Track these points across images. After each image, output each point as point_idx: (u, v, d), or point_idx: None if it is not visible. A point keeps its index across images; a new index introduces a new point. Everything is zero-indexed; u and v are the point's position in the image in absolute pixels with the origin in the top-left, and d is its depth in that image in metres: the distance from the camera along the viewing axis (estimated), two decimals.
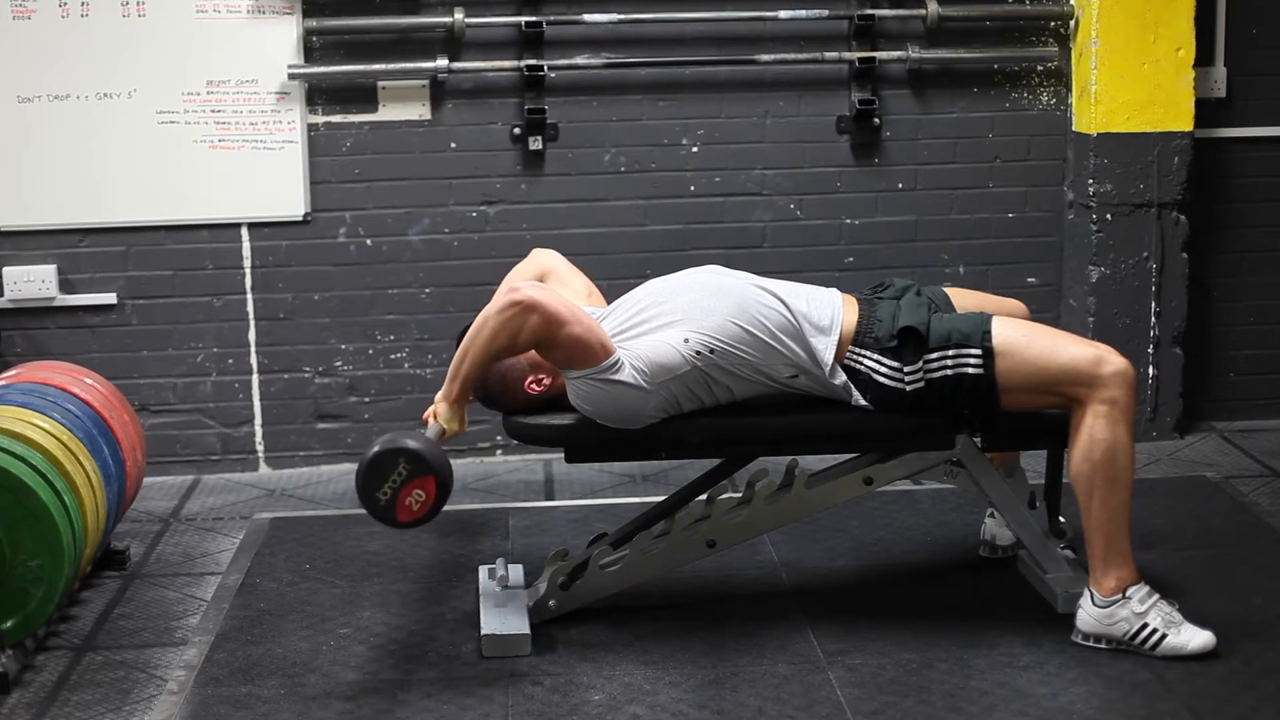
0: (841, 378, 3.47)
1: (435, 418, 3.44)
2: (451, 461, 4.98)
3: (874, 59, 4.87)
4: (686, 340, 3.40)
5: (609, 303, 3.68)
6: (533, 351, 3.48)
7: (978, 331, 3.41)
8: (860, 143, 4.96)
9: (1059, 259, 5.06)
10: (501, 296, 3.35)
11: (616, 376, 3.35)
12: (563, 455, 3.59)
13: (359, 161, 4.82)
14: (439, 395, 3.43)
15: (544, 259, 3.80)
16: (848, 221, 5.00)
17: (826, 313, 3.49)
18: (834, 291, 3.57)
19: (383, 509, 3.26)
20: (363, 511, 4.48)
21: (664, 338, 3.41)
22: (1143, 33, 4.80)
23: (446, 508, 4.46)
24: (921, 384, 3.43)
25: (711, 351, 3.42)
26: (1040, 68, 4.96)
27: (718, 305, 3.45)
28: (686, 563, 3.68)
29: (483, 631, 3.52)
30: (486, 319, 3.33)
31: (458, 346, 3.69)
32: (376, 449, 3.25)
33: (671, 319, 3.44)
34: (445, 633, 3.62)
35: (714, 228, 4.94)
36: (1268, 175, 5.09)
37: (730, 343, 3.42)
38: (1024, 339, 3.42)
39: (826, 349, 3.46)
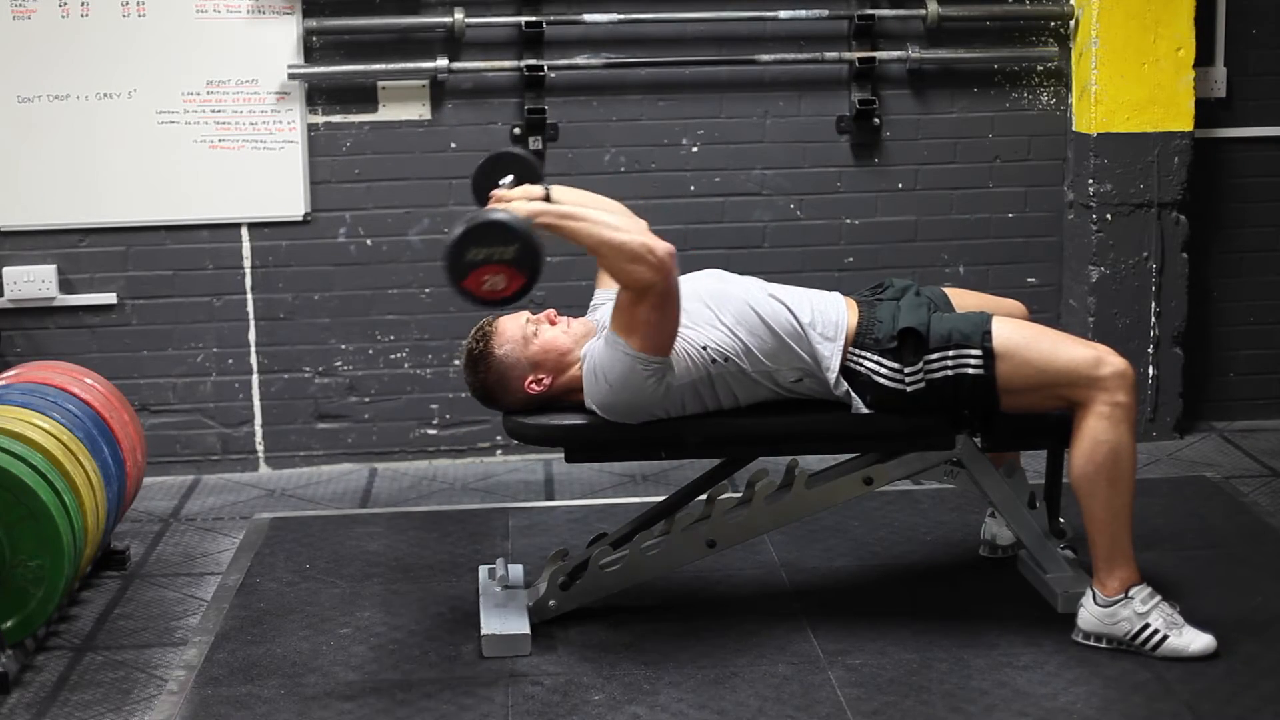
0: (844, 387, 3.47)
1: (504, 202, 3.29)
2: (451, 462, 5.00)
3: (874, 59, 4.87)
4: (705, 348, 3.40)
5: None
6: (534, 350, 3.48)
7: (978, 332, 3.41)
8: (860, 143, 4.96)
9: (1059, 259, 5.06)
10: (656, 239, 3.26)
11: (656, 368, 3.34)
12: (563, 455, 3.58)
13: (359, 161, 4.82)
14: (529, 206, 3.26)
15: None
16: (848, 221, 5.00)
17: (832, 319, 3.48)
18: (837, 295, 3.57)
19: (462, 265, 3.14)
20: (362, 511, 4.52)
21: (683, 340, 3.41)
22: (1143, 33, 4.80)
23: (446, 507, 4.50)
24: (922, 384, 3.43)
25: (726, 360, 3.42)
26: (1040, 68, 4.96)
27: (725, 314, 3.45)
28: (686, 563, 3.68)
29: (483, 631, 3.51)
30: (631, 230, 3.27)
31: (476, 182, 3.61)
32: (506, 218, 3.14)
33: (684, 326, 3.43)
34: (445, 633, 3.62)
35: (714, 228, 4.94)
36: (1268, 175, 5.09)
37: (739, 351, 3.42)
38: (1024, 340, 3.42)
39: (832, 355, 3.46)
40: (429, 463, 4.94)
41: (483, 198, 3.54)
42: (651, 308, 3.28)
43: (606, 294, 3.64)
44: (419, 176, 4.84)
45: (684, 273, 3.67)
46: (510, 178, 3.54)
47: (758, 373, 3.45)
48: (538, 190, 3.40)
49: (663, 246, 3.26)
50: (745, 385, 3.47)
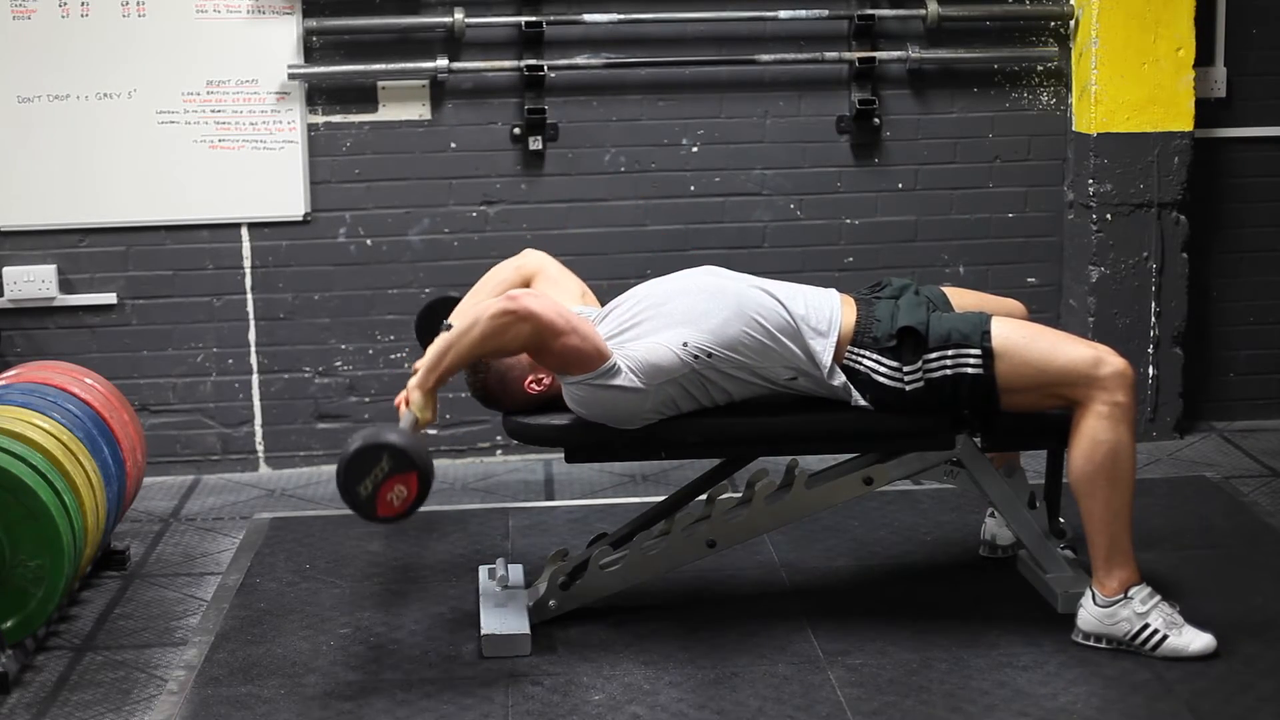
0: (840, 379, 3.47)
1: (407, 405, 3.38)
2: (451, 462, 4.99)
3: (874, 59, 4.87)
4: (685, 344, 3.40)
5: (604, 303, 3.67)
6: None
7: (977, 332, 3.41)
8: (860, 143, 4.96)
9: (1059, 259, 5.06)
10: (496, 301, 3.33)
11: (613, 381, 3.35)
12: (563, 455, 3.59)
13: (359, 161, 4.82)
14: (413, 382, 3.38)
15: (533, 259, 3.79)
16: (848, 221, 5.00)
17: (824, 315, 3.48)
18: (832, 292, 3.57)
19: (363, 503, 3.22)
20: None
21: (661, 340, 3.41)
22: (1143, 33, 4.80)
23: (447, 507, 4.50)
24: (921, 384, 3.43)
25: (710, 355, 3.41)
26: (1040, 68, 4.96)
27: (715, 308, 3.44)
28: (686, 563, 3.68)
29: (483, 631, 3.52)
30: (478, 320, 3.31)
31: (418, 331, 3.78)
32: (359, 444, 3.21)
33: (669, 322, 3.43)
34: (445, 633, 3.62)
35: (714, 228, 4.95)
36: (1268, 175, 5.09)
37: (728, 346, 3.41)
38: (1023, 340, 3.42)
39: (825, 351, 3.46)
40: None
41: (425, 342, 3.63)
42: (552, 340, 3.30)
43: (588, 310, 3.63)
44: (419, 176, 4.84)
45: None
46: (451, 321, 3.58)
47: (749, 371, 3.44)
48: (442, 341, 3.40)
49: (506, 300, 3.30)
50: (737, 383, 3.46)
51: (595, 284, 3.99)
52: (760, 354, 3.44)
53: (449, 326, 3.45)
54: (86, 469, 3.65)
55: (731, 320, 3.43)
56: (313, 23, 4.71)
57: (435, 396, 3.39)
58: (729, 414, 3.50)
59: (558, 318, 3.30)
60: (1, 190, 4.69)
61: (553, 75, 4.81)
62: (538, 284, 3.72)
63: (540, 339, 3.30)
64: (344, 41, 4.77)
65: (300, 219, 4.81)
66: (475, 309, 3.39)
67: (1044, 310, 4.95)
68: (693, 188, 4.93)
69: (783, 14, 4.84)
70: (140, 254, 4.79)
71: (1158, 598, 3.42)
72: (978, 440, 3.58)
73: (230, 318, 4.84)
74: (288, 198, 4.78)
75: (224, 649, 3.57)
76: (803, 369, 3.46)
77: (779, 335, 3.44)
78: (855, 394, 3.47)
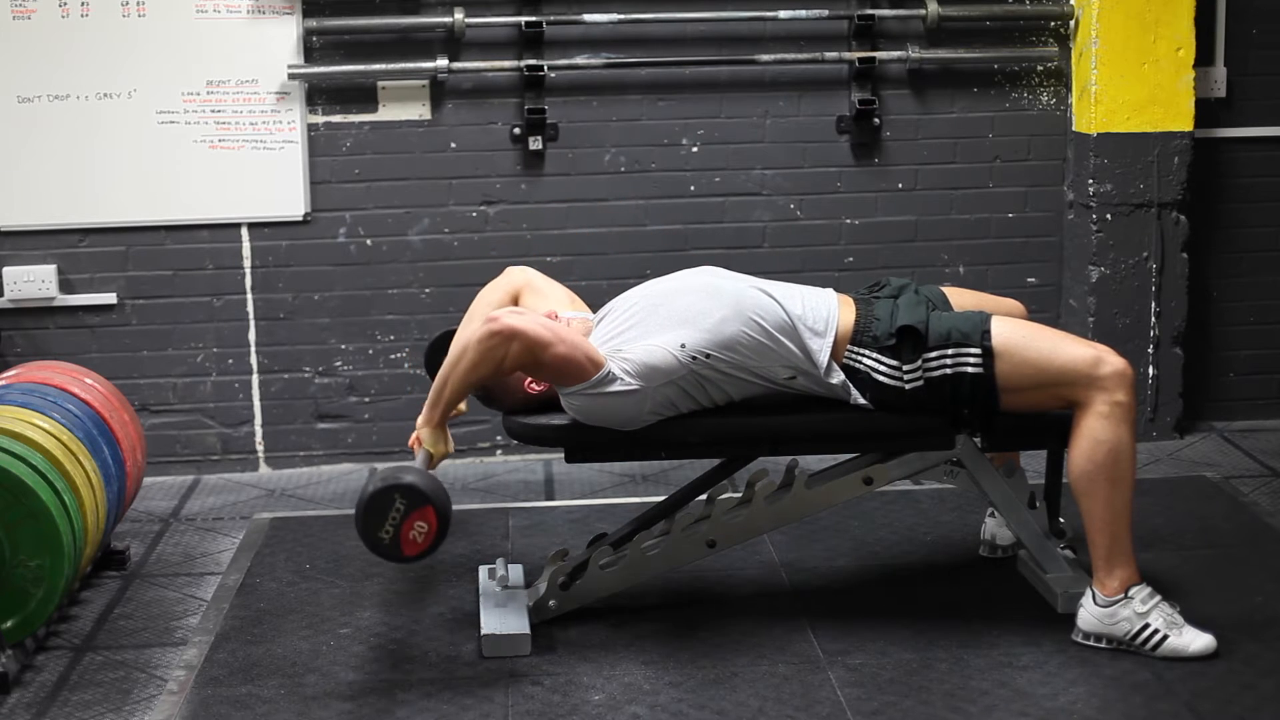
0: (839, 377, 3.47)
1: (420, 444, 3.48)
2: (452, 462, 4.99)
3: (874, 59, 4.87)
4: (683, 346, 3.40)
5: (604, 302, 3.67)
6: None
7: (977, 331, 3.41)
8: (860, 143, 4.96)
9: (1059, 259, 5.06)
10: (480, 325, 3.35)
11: (608, 389, 3.36)
12: (563, 455, 3.59)
13: (359, 161, 4.82)
14: (420, 420, 3.47)
15: (516, 276, 3.80)
16: (848, 221, 5.00)
17: (822, 314, 3.48)
18: (829, 292, 3.57)
19: (388, 547, 3.27)
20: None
21: (659, 342, 3.41)
22: (1143, 33, 4.80)
23: None
24: (920, 383, 3.43)
25: (708, 357, 3.41)
26: (1040, 68, 4.96)
27: (713, 308, 3.44)
28: (686, 563, 3.68)
29: (483, 631, 3.52)
30: (466, 347, 3.35)
31: (427, 365, 3.79)
32: (370, 490, 3.27)
33: (667, 323, 3.43)
34: (445, 633, 3.62)
35: (714, 228, 4.95)
36: (1268, 175, 5.09)
37: (726, 346, 3.42)
38: (1023, 339, 3.42)
39: (822, 350, 3.46)
40: None
41: (434, 374, 3.60)
42: (542, 353, 3.32)
43: (607, 308, 3.64)
44: (419, 176, 4.84)
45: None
46: None
47: (748, 370, 3.44)
48: (440, 375, 3.45)
49: (489, 323, 3.31)
50: (736, 383, 3.46)
51: (595, 284, 4.00)
52: (758, 353, 3.44)
53: None
54: (86, 469, 3.65)
55: (729, 320, 3.43)
56: (313, 23, 4.71)
57: (445, 430, 3.48)
58: (729, 414, 3.51)
59: (544, 330, 3.32)
60: (1, 190, 4.70)
61: (553, 75, 4.81)
62: (525, 298, 3.74)
63: (531, 354, 3.32)
64: (344, 41, 4.77)
65: (300, 219, 4.81)
66: (463, 337, 3.44)
67: (1044, 310, 4.95)
68: (693, 188, 4.93)
69: (783, 14, 4.84)
70: (140, 254, 4.79)
71: (1158, 598, 3.42)
72: (978, 440, 3.58)
73: (230, 318, 4.84)
74: (288, 198, 4.78)
75: (224, 649, 3.57)
76: (801, 368, 3.46)
77: (777, 334, 3.44)
78: (854, 392, 3.47)
